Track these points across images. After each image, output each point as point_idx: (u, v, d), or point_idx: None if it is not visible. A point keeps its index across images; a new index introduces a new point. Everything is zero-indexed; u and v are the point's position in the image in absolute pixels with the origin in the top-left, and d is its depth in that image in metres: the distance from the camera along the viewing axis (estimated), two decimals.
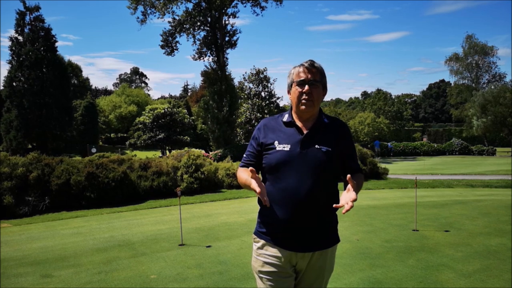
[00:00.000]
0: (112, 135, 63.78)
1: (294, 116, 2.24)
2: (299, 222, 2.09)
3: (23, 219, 9.03)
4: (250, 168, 1.98)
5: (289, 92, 2.26)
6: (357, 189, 2.04)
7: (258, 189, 1.95)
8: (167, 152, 33.42)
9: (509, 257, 4.93)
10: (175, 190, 6.11)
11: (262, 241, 2.21)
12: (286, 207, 2.09)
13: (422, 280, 4.25)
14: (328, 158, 2.11)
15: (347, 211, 1.91)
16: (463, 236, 6.02)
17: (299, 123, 2.20)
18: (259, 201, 2.20)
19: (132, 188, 10.95)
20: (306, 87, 2.14)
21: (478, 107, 37.19)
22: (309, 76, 2.15)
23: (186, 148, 29.05)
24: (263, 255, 2.20)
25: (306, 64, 2.17)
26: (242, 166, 2.30)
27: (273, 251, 2.17)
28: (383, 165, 16.95)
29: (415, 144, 39.31)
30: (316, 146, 2.12)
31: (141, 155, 26.53)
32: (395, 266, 4.69)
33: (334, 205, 1.96)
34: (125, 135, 56.04)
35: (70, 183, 10.07)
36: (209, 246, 5.78)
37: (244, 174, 2.16)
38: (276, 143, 2.17)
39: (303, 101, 2.15)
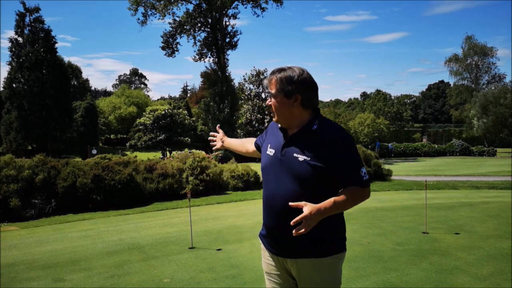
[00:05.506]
0: (112, 136, 63.70)
1: None
2: (276, 228, 2.11)
3: (30, 222, 9.00)
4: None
5: None
6: (328, 208, 1.89)
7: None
8: (168, 153, 33.34)
9: None
10: (185, 192, 6.10)
11: (261, 243, 2.31)
12: (267, 212, 2.16)
13: (438, 284, 4.24)
14: (304, 168, 1.99)
15: (298, 233, 1.81)
16: (474, 238, 6.01)
17: (289, 129, 2.17)
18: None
19: (138, 191, 10.91)
20: (267, 101, 2.18)
21: (479, 107, 37.24)
22: (268, 89, 2.18)
23: (186, 149, 29.02)
24: (263, 256, 2.31)
25: (268, 78, 2.21)
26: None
27: (266, 253, 2.26)
28: (386, 167, 16.96)
29: (416, 145, 39.34)
30: (294, 154, 2.03)
31: (142, 156, 26.37)
32: (409, 270, 4.68)
33: (290, 203, 1.87)
34: (125, 136, 55.93)
35: (76, 186, 10.04)
36: (219, 249, 5.76)
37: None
38: (268, 146, 2.22)
39: (271, 113, 2.19)
